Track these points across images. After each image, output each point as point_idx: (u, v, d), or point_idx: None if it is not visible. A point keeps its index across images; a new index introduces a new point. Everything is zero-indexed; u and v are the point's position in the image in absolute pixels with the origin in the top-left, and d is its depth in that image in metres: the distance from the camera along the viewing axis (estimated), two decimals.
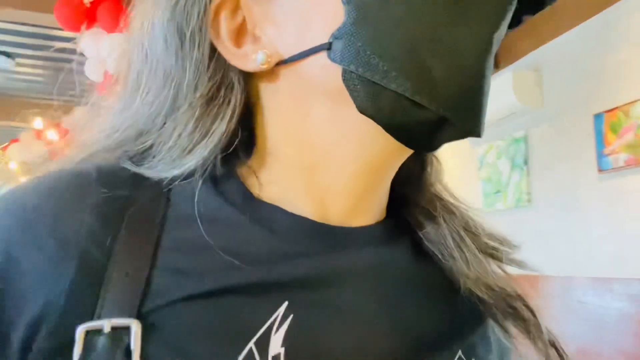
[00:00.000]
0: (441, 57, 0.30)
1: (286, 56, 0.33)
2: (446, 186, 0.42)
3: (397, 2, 0.30)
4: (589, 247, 2.36)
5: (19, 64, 3.24)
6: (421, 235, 0.39)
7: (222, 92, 0.34)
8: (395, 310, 0.35)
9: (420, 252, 0.39)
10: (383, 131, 0.33)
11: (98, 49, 1.94)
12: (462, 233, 0.38)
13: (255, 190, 0.35)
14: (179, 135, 0.33)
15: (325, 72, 0.32)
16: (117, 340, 0.27)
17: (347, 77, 0.31)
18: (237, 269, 0.31)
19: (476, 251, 0.38)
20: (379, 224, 0.38)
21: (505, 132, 2.86)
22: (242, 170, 0.36)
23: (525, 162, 2.74)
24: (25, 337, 0.28)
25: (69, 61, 3.31)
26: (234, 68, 0.34)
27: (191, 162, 0.33)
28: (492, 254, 0.39)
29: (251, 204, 0.35)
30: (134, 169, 0.34)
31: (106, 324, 0.28)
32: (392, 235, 0.38)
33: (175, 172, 0.33)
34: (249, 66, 0.34)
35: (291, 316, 0.31)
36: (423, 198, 0.40)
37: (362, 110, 0.32)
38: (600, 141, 2.31)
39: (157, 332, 0.28)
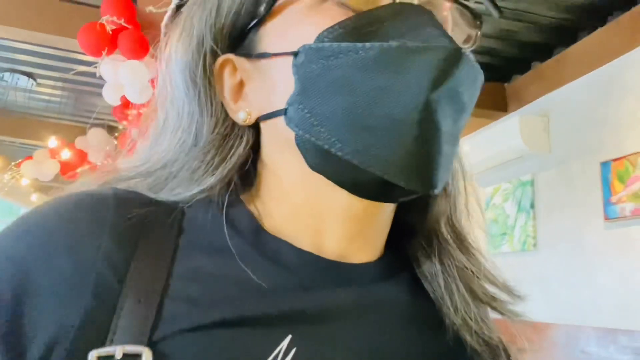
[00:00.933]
0: (377, 125, 0.31)
1: (261, 114, 0.36)
2: (456, 222, 0.41)
3: (333, 75, 0.32)
4: (594, 295, 2.32)
5: (39, 85, 3.33)
6: (417, 273, 0.39)
7: (236, 130, 0.37)
8: (392, 347, 0.35)
9: (420, 285, 0.39)
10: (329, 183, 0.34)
11: (117, 75, 1.99)
12: (456, 274, 0.38)
13: (261, 221, 0.37)
14: (202, 160, 0.36)
15: (287, 131, 0.34)
16: None
17: (297, 140, 0.34)
18: (245, 300, 0.32)
19: (467, 296, 0.38)
20: (379, 260, 0.39)
21: (512, 175, 2.87)
22: (247, 200, 0.38)
23: (532, 206, 2.74)
24: (39, 357, 0.28)
25: (88, 84, 3.41)
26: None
27: (211, 179, 0.35)
28: (488, 302, 0.39)
29: (259, 236, 0.36)
30: (150, 195, 0.36)
31: (118, 351, 0.28)
32: (392, 272, 0.39)
33: (196, 189, 0.35)
34: (239, 119, 0.37)
35: (294, 349, 0.31)
36: (422, 233, 0.40)
37: (313, 169, 0.34)
38: (607, 189, 2.31)
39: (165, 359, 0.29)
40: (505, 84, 3.08)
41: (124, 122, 2.36)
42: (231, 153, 0.36)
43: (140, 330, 0.29)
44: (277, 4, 0.35)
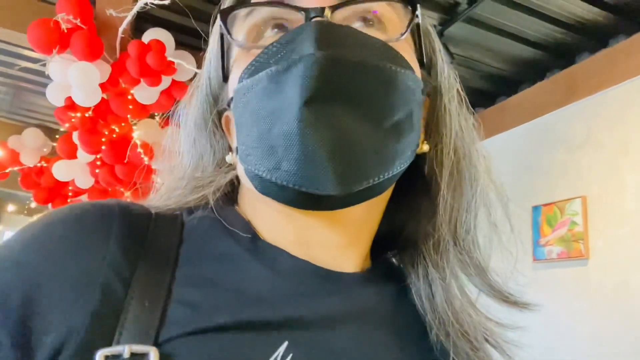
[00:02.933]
0: (278, 143, 0.33)
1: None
2: (457, 236, 0.41)
3: (249, 108, 0.35)
4: (519, 335, 2.42)
5: None
6: (408, 283, 0.41)
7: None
8: (381, 353, 0.36)
9: (408, 294, 0.41)
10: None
11: (65, 75, 1.92)
12: (439, 289, 0.40)
13: (257, 230, 0.38)
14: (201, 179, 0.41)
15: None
16: None
17: (245, 172, 0.37)
18: (244, 306, 0.33)
19: (448, 311, 0.39)
20: (370, 269, 0.41)
21: None
22: (242, 211, 0.41)
23: None
24: (47, 358, 0.29)
25: (30, 81, 3.23)
26: None
27: (206, 190, 0.39)
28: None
29: (256, 243, 0.37)
30: (155, 203, 0.39)
31: (126, 350, 0.29)
32: (382, 280, 0.41)
33: (191, 197, 0.40)
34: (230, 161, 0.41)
35: (290, 355, 0.32)
36: (409, 244, 0.42)
37: (262, 194, 0.36)
38: (537, 232, 2.46)
39: None
40: None
41: (66, 125, 2.25)
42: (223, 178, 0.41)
43: (146, 332, 0.30)
44: (231, 62, 0.39)
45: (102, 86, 2.04)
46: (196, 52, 2.16)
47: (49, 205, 2.77)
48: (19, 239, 0.33)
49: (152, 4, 1.83)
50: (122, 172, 2.27)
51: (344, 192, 0.33)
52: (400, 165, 0.36)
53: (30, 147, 2.90)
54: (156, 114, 2.36)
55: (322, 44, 0.32)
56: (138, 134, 2.25)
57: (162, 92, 2.15)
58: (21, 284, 0.30)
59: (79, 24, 1.86)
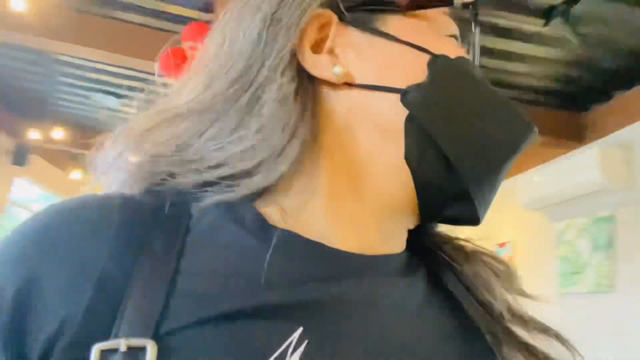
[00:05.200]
0: (484, 144, 0.37)
1: (358, 81, 0.37)
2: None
3: (460, 88, 0.38)
4: None
5: (122, 104, 3.58)
6: (456, 271, 0.40)
7: (300, 95, 0.35)
8: (404, 340, 0.35)
9: (436, 283, 0.40)
10: (408, 180, 0.37)
11: None
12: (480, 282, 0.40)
13: (271, 216, 0.35)
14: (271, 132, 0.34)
15: (389, 110, 0.37)
16: None
17: (409, 123, 0.36)
18: (253, 293, 0.32)
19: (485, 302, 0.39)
20: (398, 254, 0.38)
21: (587, 210, 2.70)
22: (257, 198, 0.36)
23: (610, 245, 2.55)
24: (43, 351, 0.29)
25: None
26: (306, 76, 0.36)
27: (283, 166, 0.34)
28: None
29: (265, 229, 0.34)
30: (173, 184, 0.36)
31: (122, 343, 0.28)
32: (410, 266, 0.39)
33: (276, 174, 0.34)
34: (321, 73, 0.36)
35: (306, 341, 0.31)
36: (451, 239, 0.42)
37: (406, 154, 0.36)
38: None
39: (172, 354, 0.28)
40: (583, 113, 2.93)
41: None
42: (301, 121, 0.35)
43: (145, 325, 0.29)
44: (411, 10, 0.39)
45: None
46: None
47: None
48: (18, 233, 0.33)
49: None
50: None
51: (480, 222, 0.38)
52: None
53: None
54: None
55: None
56: None
57: None
58: (16, 279, 0.30)
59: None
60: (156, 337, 0.29)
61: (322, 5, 0.37)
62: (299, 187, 0.36)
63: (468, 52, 0.42)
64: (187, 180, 0.36)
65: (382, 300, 0.35)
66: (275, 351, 0.30)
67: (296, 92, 0.35)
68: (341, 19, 0.38)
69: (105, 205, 0.34)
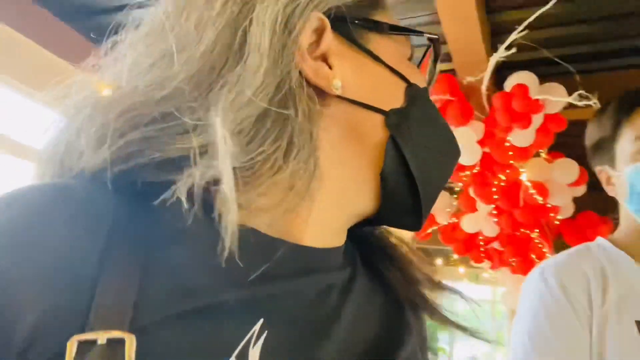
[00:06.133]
0: (439, 170, 0.42)
1: (349, 96, 0.38)
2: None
3: (427, 115, 0.42)
4: None
5: None
6: (385, 253, 0.47)
7: (293, 92, 0.35)
8: (356, 324, 0.39)
9: (369, 266, 0.46)
10: (377, 193, 0.40)
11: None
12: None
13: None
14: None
15: (372, 128, 0.39)
16: (112, 353, 0.28)
17: (389, 144, 0.39)
18: (217, 288, 0.33)
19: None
20: (342, 246, 0.42)
21: None
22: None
23: None
24: (19, 349, 0.28)
25: None
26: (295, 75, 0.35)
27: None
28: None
29: (214, 226, 0.33)
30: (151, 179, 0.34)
31: (101, 336, 0.28)
32: (351, 254, 0.44)
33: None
34: (320, 82, 0.37)
35: (266, 332, 0.33)
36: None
37: (384, 170, 0.39)
38: None
39: (147, 346, 0.29)
40: None
41: (460, 184, 2.54)
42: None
43: (120, 318, 0.29)
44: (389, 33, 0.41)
45: (480, 142, 2.22)
46: (565, 78, 2.09)
47: (468, 255, 3.06)
48: None
49: (501, 57, 1.93)
50: (521, 215, 2.33)
51: (419, 229, 0.43)
52: None
53: (440, 208, 3.32)
54: (540, 151, 2.36)
55: None
56: (526, 176, 2.29)
57: (537, 130, 2.15)
58: None
59: (448, 97, 2.14)
60: (132, 330, 0.29)
61: (318, 10, 0.37)
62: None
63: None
64: (153, 174, 0.34)
65: (333, 288, 0.39)
66: (241, 341, 0.32)
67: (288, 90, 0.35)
68: (333, 27, 0.38)
69: (68, 197, 0.32)
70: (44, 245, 0.30)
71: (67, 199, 0.32)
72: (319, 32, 0.37)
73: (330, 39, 0.37)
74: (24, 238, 0.30)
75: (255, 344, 0.33)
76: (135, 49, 0.37)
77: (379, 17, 0.41)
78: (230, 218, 0.31)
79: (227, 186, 0.31)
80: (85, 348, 0.28)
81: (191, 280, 0.32)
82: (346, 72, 0.38)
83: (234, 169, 0.32)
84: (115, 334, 0.28)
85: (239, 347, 0.32)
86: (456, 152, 0.44)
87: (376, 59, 0.39)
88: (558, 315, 0.77)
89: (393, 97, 0.40)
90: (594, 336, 0.75)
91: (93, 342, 0.28)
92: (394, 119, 0.39)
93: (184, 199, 0.31)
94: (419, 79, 0.42)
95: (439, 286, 0.47)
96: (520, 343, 0.78)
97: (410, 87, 0.41)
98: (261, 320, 0.34)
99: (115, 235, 0.32)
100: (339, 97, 0.38)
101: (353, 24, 0.39)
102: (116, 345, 0.28)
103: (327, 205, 0.39)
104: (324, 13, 0.37)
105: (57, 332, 0.28)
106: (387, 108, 0.39)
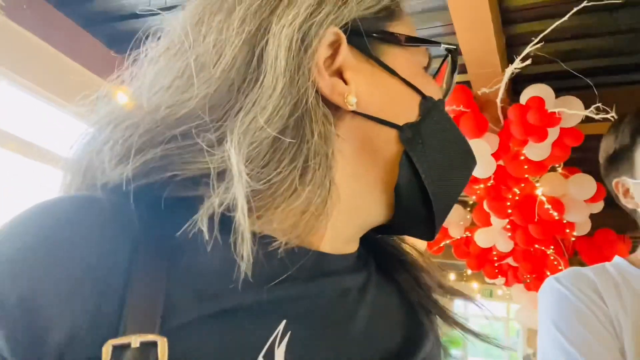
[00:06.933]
0: (453, 183, 0.42)
1: (364, 111, 0.38)
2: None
3: (443, 130, 0.41)
4: None
5: None
6: (398, 260, 0.47)
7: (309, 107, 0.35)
8: (373, 324, 0.41)
9: (383, 271, 0.46)
10: (390, 205, 0.41)
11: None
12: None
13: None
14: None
15: (386, 142, 0.39)
16: (145, 355, 0.29)
17: (404, 158, 0.39)
18: (242, 291, 0.33)
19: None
20: (355, 252, 0.43)
21: None
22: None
23: None
24: (56, 355, 0.29)
25: None
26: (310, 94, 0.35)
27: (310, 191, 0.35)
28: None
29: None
30: (169, 194, 0.35)
31: (134, 339, 0.29)
32: (365, 259, 0.45)
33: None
34: (336, 98, 0.37)
35: (289, 332, 0.35)
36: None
37: (398, 183, 0.40)
38: None
39: (178, 348, 0.30)
40: None
41: (473, 197, 2.50)
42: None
43: (151, 322, 0.30)
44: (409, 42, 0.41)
45: (495, 155, 2.20)
46: (581, 91, 2.06)
47: (481, 270, 3.02)
48: (11, 234, 0.32)
49: (516, 68, 1.91)
50: (536, 230, 2.28)
51: (433, 239, 0.43)
52: None
53: (453, 221, 3.29)
54: (556, 165, 2.33)
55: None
56: (542, 190, 2.25)
57: (553, 144, 2.12)
58: (18, 285, 0.29)
59: (462, 109, 2.12)
60: (162, 334, 0.30)
61: (335, 25, 0.37)
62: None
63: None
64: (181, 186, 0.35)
65: (350, 291, 0.41)
66: (267, 342, 0.33)
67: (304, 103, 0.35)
68: (348, 41, 0.37)
69: (95, 208, 0.33)
70: (76, 255, 0.31)
71: (94, 211, 0.33)
72: (335, 47, 0.37)
73: (346, 53, 0.38)
74: (57, 250, 0.31)
75: (280, 344, 0.34)
76: (156, 64, 0.38)
77: (396, 28, 0.41)
78: (245, 246, 0.32)
79: (241, 215, 0.32)
80: (119, 352, 0.29)
81: (214, 285, 0.34)
82: (361, 86, 0.38)
83: (251, 191, 0.33)
84: (148, 337, 0.29)
85: (266, 347, 0.33)
86: (472, 163, 0.44)
87: (391, 72, 0.39)
88: (583, 312, 0.77)
89: (407, 111, 0.40)
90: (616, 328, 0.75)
91: (127, 345, 0.29)
92: (408, 134, 0.39)
93: (205, 229, 0.32)
94: (434, 91, 0.42)
95: (450, 291, 0.48)
96: (551, 343, 0.78)
97: (425, 100, 0.41)
98: (284, 321, 0.35)
99: (141, 243, 0.33)
100: (353, 112, 0.38)
101: (369, 37, 0.39)
102: (149, 348, 0.29)
103: (341, 217, 0.39)
104: (340, 27, 0.37)
105: (91, 337, 0.29)
106: (401, 122, 0.39)
